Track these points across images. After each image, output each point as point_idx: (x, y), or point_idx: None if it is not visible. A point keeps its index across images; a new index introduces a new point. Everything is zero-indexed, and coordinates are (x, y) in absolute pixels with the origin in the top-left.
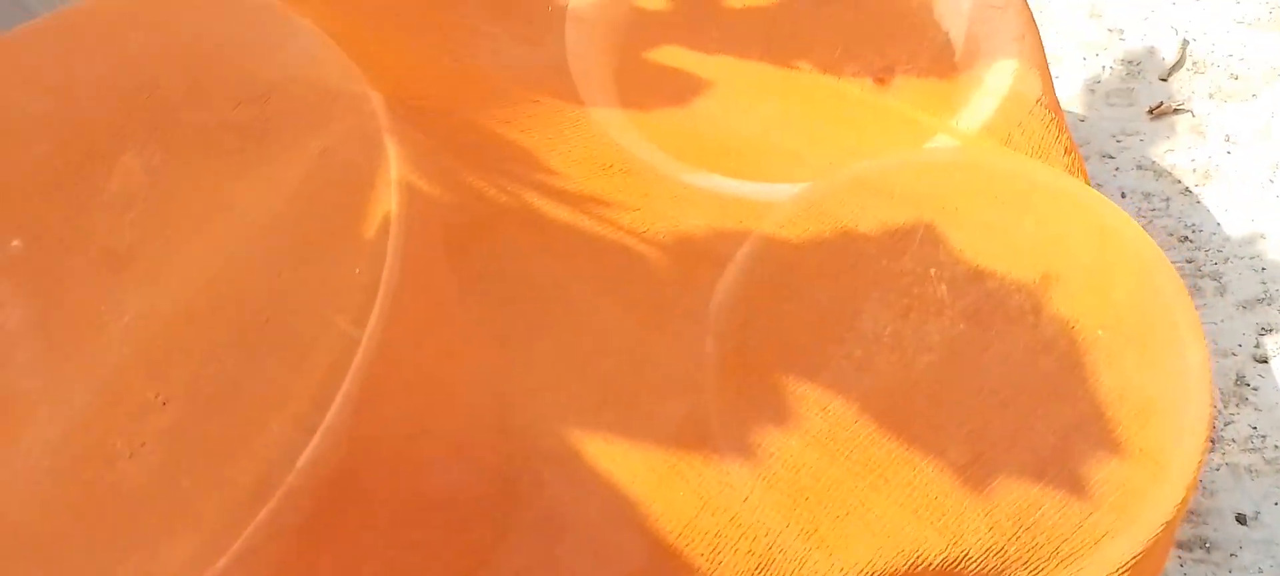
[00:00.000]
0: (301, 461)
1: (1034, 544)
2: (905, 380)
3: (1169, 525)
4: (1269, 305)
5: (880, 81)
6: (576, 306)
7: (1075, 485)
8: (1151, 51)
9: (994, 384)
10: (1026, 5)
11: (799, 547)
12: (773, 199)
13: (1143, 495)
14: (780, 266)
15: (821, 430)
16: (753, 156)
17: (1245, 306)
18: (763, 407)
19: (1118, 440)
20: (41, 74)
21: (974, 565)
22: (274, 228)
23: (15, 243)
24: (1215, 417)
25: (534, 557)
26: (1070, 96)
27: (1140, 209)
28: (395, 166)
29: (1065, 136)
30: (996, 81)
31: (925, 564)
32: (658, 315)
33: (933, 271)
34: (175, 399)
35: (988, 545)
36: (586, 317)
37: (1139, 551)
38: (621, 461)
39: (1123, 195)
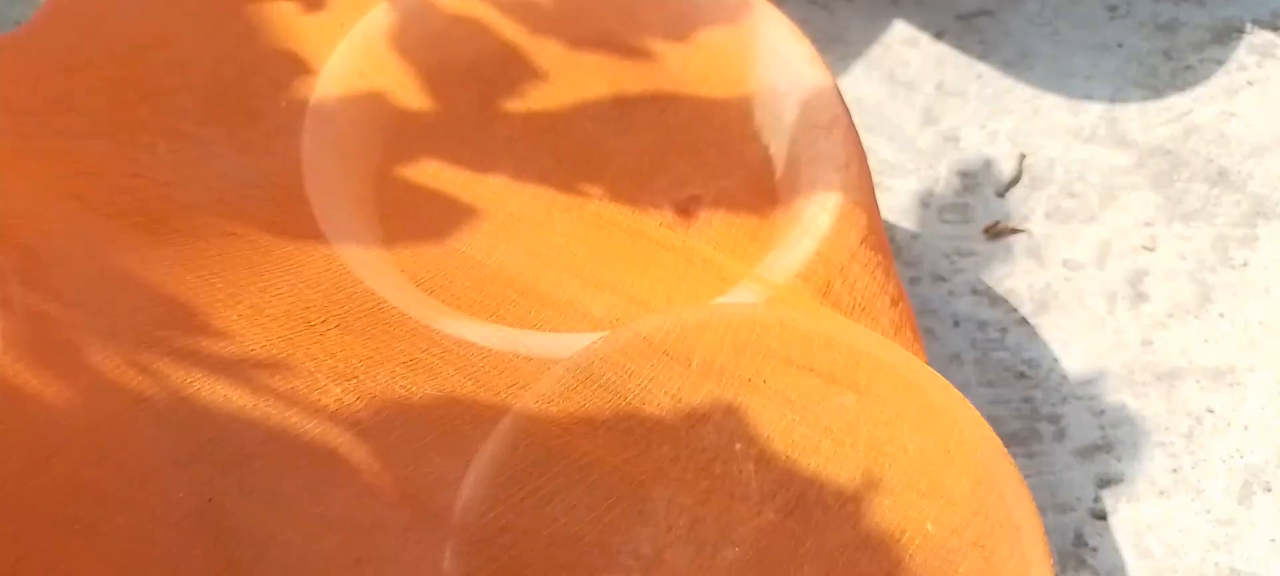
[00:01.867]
0: None
1: None
2: None
3: None
4: (1108, 453)
5: (683, 214)
6: (245, 534)
7: None
8: (988, 164)
9: None
10: (852, 126)
11: None
12: (543, 357)
13: None
14: (549, 448)
15: None
16: (525, 307)
17: (1084, 454)
18: None
19: None
20: None
21: None
22: None
23: None
24: None
25: None
26: (903, 209)
27: (975, 339)
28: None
29: (893, 284)
30: (816, 218)
31: None
32: (373, 532)
33: (738, 447)
34: None
35: None
36: (263, 548)
37: None
38: None
39: (956, 323)
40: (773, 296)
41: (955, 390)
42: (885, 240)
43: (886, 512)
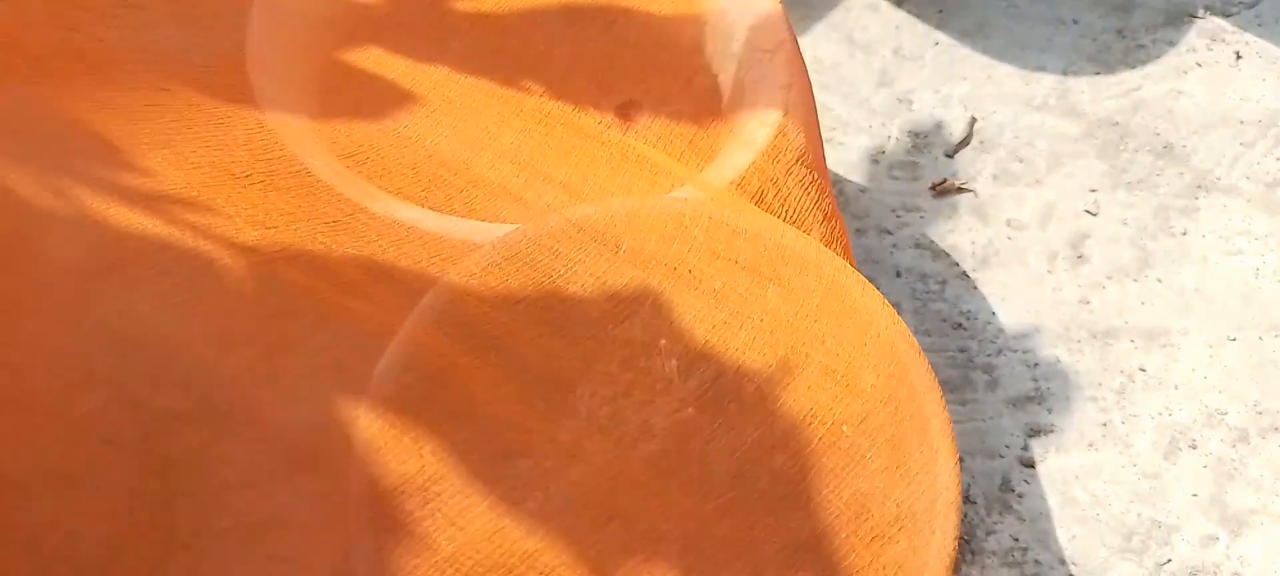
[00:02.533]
0: None
1: None
2: (621, 472)
3: None
4: (1039, 404)
5: (623, 116)
6: (153, 344)
7: None
8: (940, 126)
9: (719, 483)
10: (798, 52)
11: None
12: (471, 240)
13: None
14: (472, 324)
15: (515, 539)
16: (456, 187)
17: (1016, 404)
18: (435, 508)
19: (854, 561)
20: None
21: None
22: None
23: None
24: (964, 534)
25: None
26: (853, 164)
27: (915, 289)
28: None
29: (826, 201)
30: (755, 133)
31: None
32: (296, 381)
33: (662, 343)
34: None
35: None
36: (174, 356)
37: None
38: None
39: (898, 274)
40: (710, 196)
41: (874, 289)
42: (822, 161)
43: (801, 407)
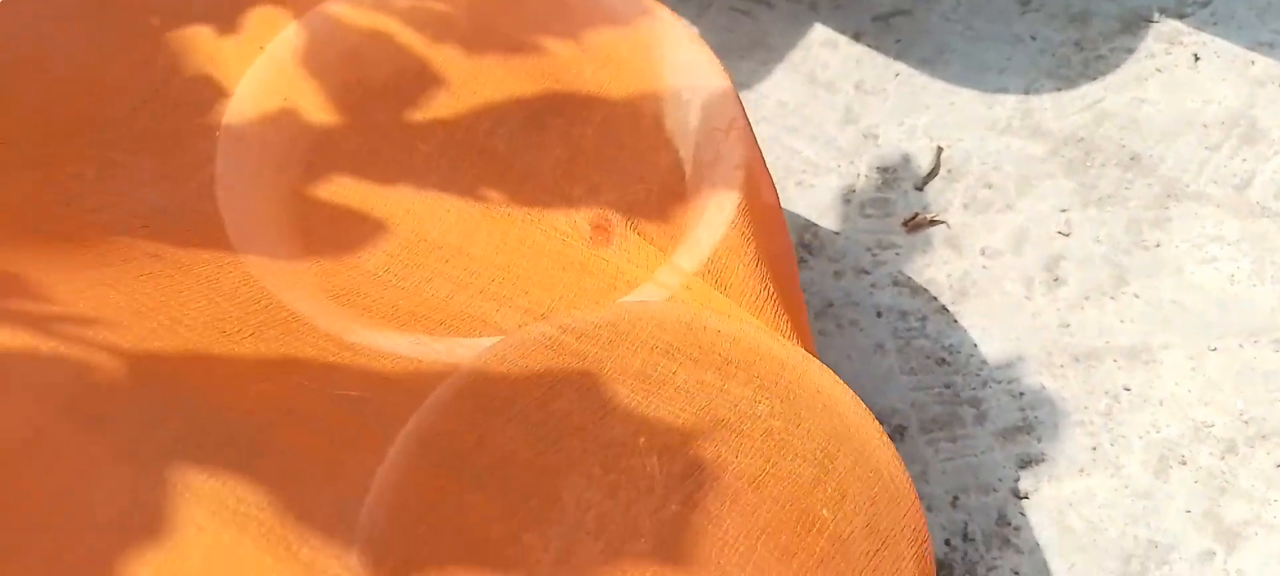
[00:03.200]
0: None
1: None
2: (612, 573)
3: None
4: (1028, 434)
5: (600, 231)
6: (169, 521)
7: None
8: (907, 159)
9: None
10: (748, 127)
11: None
12: (446, 360)
13: None
14: (457, 447)
15: None
16: (435, 319)
17: (1005, 436)
18: None
19: None
20: None
21: None
22: None
23: None
24: (965, 573)
25: None
26: (825, 207)
27: (897, 328)
28: None
29: (786, 278)
30: (714, 217)
31: None
32: (287, 527)
33: (642, 441)
34: None
35: None
36: (189, 536)
37: None
38: None
39: (878, 314)
40: (673, 294)
41: (838, 380)
42: (784, 236)
43: (781, 500)
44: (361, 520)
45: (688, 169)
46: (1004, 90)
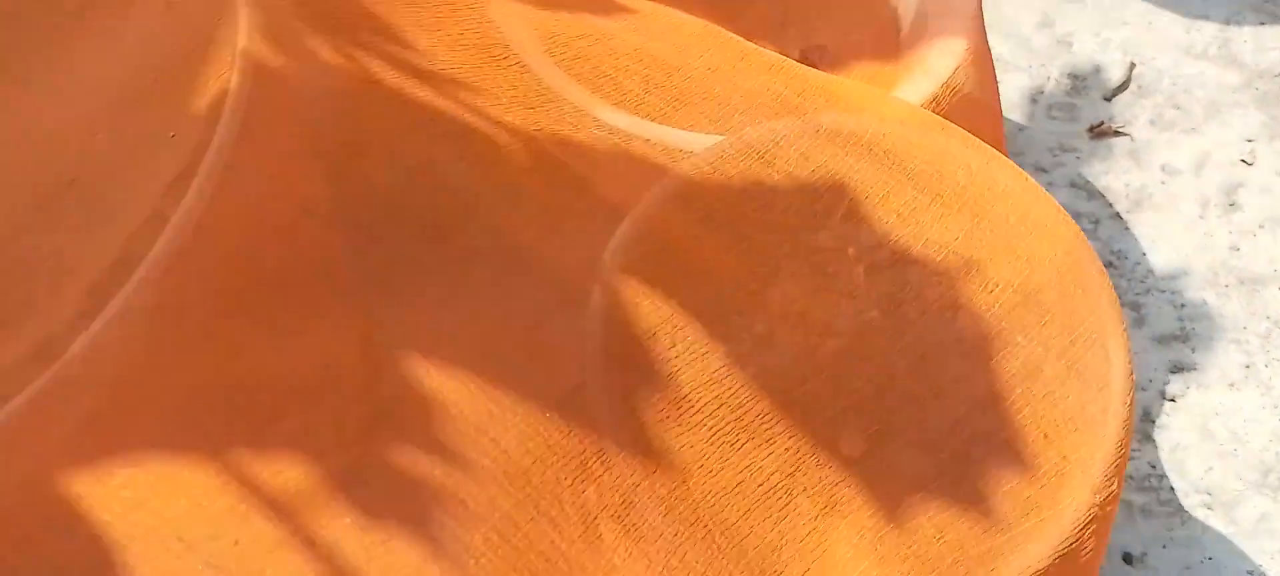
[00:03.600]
0: (80, 344)
1: (917, 553)
2: (808, 364)
3: (1066, 556)
4: (1184, 343)
5: (806, 61)
6: (450, 190)
7: (977, 496)
8: (1098, 69)
9: (902, 379)
10: None
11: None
12: (687, 148)
13: (1045, 512)
14: (688, 221)
15: (712, 407)
16: (672, 95)
17: (1161, 342)
18: (650, 377)
19: (1027, 452)
20: None
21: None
22: (100, 86)
23: None
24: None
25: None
26: (1011, 103)
27: None
28: (243, 34)
29: (998, 133)
30: (938, 63)
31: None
32: (543, 241)
33: (851, 251)
34: None
35: (870, 546)
36: (462, 216)
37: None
38: (491, 424)
39: None
40: (897, 116)
41: (1061, 209)
42: (997, 95)
43: (979, 320)
44: (612, 243)
45: (907, 23)
46: (1205, 17)
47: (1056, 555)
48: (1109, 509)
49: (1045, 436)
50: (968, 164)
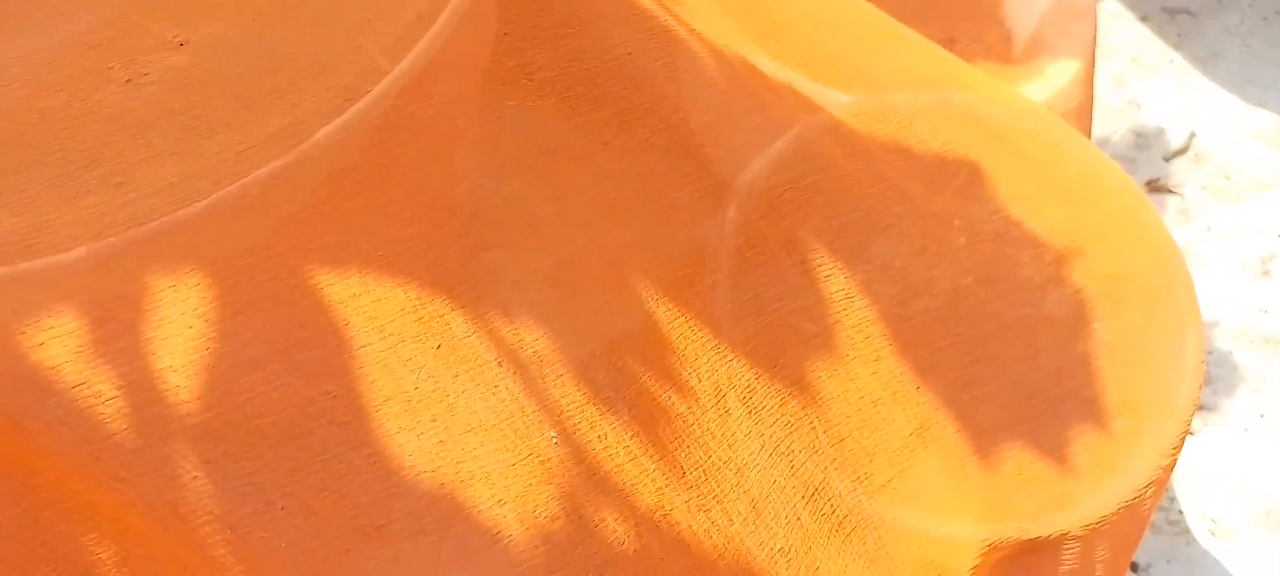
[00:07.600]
0: (325, 133)
1: (996, 484)
2: (898, 315)
3: (1130, 507)
4: (1207, 387)
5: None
6: (641, 83)
7: (1057, 445)
8: (1161, 132)
9: (990, 342)
10: (1097, 17)
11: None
12: (825, 101)
13: (1118, 467)
14: (816, 166)
15: (827, 321)
16: (812, 51)
17: None
18: (767, 293)
19: (1106, 415)
20: None
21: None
22: None
23: None
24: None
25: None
26: None
27: None
28: None
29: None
30: (1055, 74)
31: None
32: (713, 145)
33: (957, 222)
34: (193, 44)
35: (953, 491)
36: (646, 108)
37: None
38: (622, 281)
39: None
40: (1022, 109)
41: (1158, 214)
42: (1092, 117)
43: (1070, 300)
44: (739, 188)
45: (1021, 43)
46: (1264, 105)
47: (1123, 505)
48: (1167, 474)
49: (1123, 402)
50: (1079, 160)
